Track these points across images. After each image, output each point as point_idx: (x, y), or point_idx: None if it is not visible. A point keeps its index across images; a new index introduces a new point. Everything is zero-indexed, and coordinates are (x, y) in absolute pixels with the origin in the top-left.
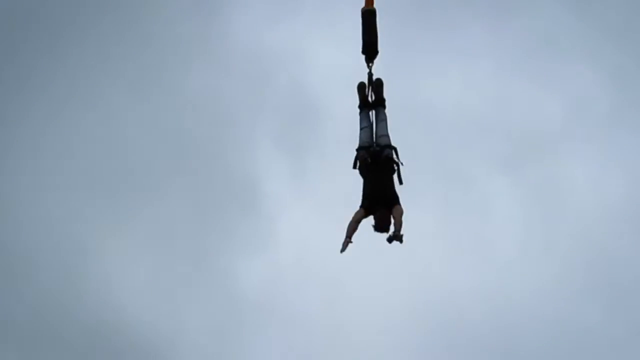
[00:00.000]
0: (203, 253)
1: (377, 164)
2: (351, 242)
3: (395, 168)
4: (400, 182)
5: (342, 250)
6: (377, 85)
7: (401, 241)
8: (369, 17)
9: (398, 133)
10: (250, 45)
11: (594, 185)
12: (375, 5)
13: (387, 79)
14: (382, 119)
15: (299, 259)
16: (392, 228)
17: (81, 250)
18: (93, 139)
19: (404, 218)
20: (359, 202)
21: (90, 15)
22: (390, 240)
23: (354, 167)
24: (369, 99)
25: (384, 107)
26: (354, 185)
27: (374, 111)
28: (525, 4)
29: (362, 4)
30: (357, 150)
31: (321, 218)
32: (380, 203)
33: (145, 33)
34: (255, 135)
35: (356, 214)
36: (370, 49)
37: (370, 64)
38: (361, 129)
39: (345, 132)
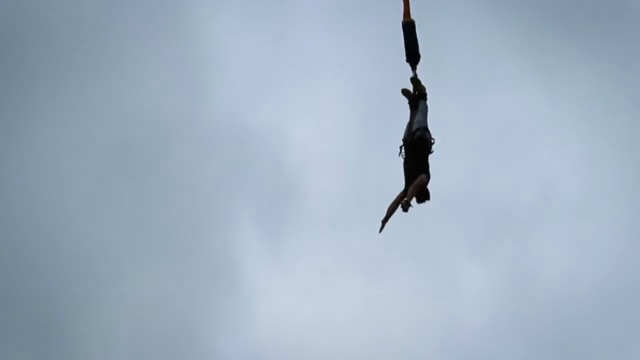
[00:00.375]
0: (182, 332)
1: (412, 148)
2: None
3: (428, 145)
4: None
5: (380, 230)
6: (417, 83)
7: (405, 209)
8: (409, 29)
9: (364, 226)
10: (231, 125)
11: (563, 269)
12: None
13: (362, 158)
14: (421, 108)
15: (278, 338)
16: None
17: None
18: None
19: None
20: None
21: (73, 96)
22: (403, 208)
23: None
24: (415, 94)
25: (425, 98)
26: (331, 264)
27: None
28: (497, 87)
29: (338, 89)
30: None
31: (299, 298)
32: (413, 179)
33: (128, 111)
34: (235, 215)
35: (397, 196)
36: (414, 57)
37: (414, 69)
38: (407, 124)
39: (323, 212)
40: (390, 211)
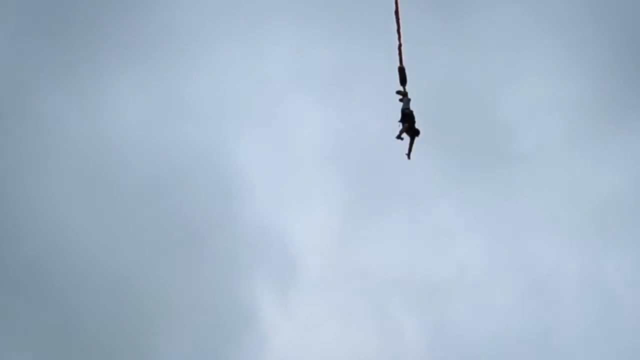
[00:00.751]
0: None
1: (402, 119)
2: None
3: (410, 115)
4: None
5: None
6: (401, 92)
7: (398, 137)
8: (402, 70)
9: (343, 290)
10: (255, 221)
11: (472, 324)
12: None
13: (345, 243)
14: (405, 101)
15: None
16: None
17: None
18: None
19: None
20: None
21: (135, 202)
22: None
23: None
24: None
25: (407, 96)
26: (324, 313)
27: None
28: (428, 200)
29: (329, 197)
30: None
31: (302, 337)
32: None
33: (181, 212)
34: (258, 279)
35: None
36: (404, 82)
37: (404, 86)
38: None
39: (319, 277)
40: (409, 148)
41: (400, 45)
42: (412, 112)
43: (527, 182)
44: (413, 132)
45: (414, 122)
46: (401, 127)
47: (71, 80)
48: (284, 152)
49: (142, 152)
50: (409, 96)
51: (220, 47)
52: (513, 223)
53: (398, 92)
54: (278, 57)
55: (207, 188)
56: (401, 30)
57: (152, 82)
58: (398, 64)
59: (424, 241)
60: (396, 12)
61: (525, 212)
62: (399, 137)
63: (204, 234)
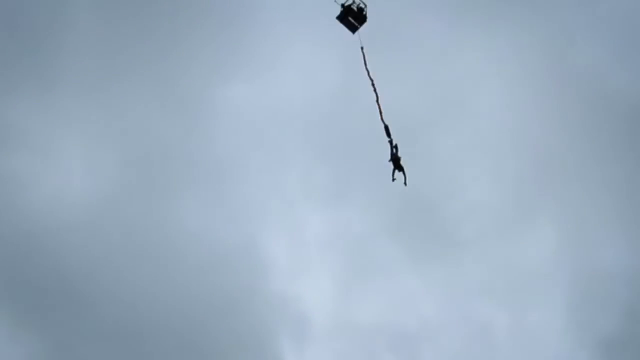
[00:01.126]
0: None
1: (392, 161)
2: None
3: (398, 159)
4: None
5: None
6: (389, 142)
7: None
8: (386, 126)
9: (342, 339)
10: (279, 292)
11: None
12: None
13: (341, 310)
14: (392, 147)
15: None
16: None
17: None
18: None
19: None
20: None
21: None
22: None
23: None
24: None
25: (393, 145)
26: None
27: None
28: (398, 274)
29: (333, 266)
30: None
31: None
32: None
33: (224, 284)
34: (280, 334)
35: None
36: (389, 134)
37: (389, 136)
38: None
39: (325, 331)
40: (404, 179)
41: (378, 101)
42: (397, 155)
43: (468, 260)
44: (401, 169)
45: (399, 161)
46: (392, 169)
47: (150, 196)
48: (298, 242)
49: (198, 242)
50: (394, 142)
51: (252, 174)
52: (459, 289)
53: (389, 142)
54: (292, 176)
55: (243, 268)
56: (377, 88)
57: (206, 196)
58: (383, 123)
59: (397, 302)
60: (367, 73)
61: (467, 281)
62: (393, 179)
63: (240, 300)
